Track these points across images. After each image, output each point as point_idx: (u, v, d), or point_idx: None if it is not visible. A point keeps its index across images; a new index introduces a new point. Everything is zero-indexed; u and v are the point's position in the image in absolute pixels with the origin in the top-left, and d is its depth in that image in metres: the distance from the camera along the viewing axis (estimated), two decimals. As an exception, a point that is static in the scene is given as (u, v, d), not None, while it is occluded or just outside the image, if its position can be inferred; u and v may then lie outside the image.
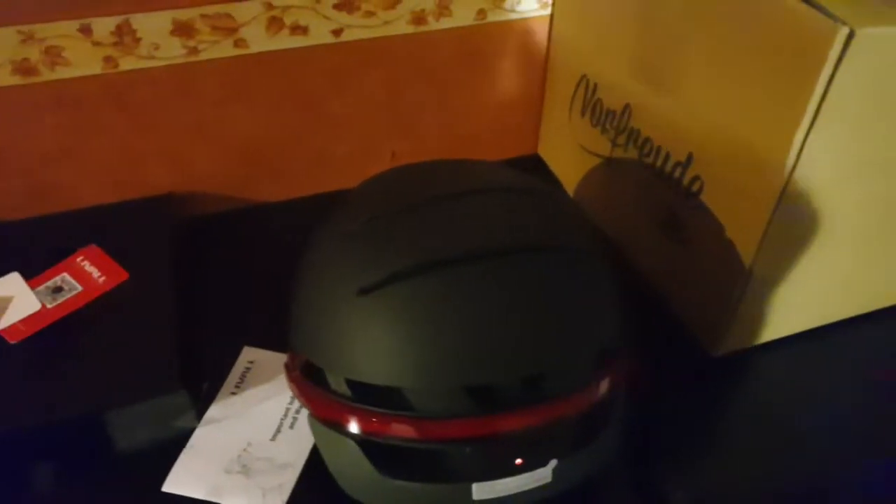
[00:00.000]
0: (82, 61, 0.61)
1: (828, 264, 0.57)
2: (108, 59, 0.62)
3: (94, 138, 0.66)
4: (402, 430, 0.42)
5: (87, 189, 0.69)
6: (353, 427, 0.44)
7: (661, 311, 0.65)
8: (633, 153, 0.65)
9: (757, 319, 0.59)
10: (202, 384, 0.58)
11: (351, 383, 0.44)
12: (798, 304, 0.59)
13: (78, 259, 0.64)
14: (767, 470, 0.53)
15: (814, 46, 0.43)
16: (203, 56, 0.65)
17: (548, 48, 0.78)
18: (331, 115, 0.73)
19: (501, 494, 0.44)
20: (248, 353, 0.61)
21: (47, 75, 0.61)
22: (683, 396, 0.58)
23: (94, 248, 0.65)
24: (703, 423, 0.56)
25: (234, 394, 0.58)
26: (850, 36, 0.41)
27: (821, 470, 0.53)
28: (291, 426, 0.55)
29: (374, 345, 0.42)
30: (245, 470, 0.52)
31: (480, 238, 0.43)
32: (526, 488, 0.44)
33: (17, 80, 0.60)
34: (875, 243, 0.58)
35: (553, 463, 0.44)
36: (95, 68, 0.62)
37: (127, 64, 0.63)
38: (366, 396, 0.43)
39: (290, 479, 0.52)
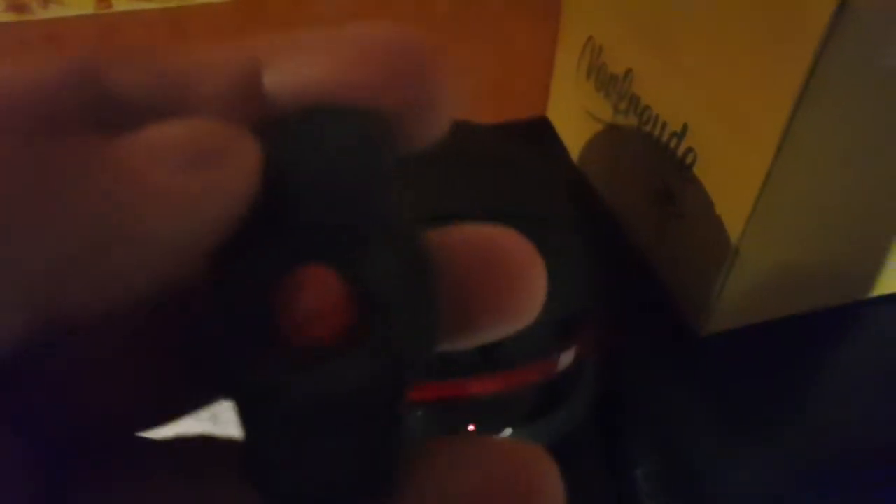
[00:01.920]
0: (75, 0, 0.61)
1: (817, 247, 0.55)
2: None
3: (88, 79, 0.66)
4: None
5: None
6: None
7: (650, 287, 0.64)
8: (633, 120, 0.63)
9: (744, 300, 0.57)
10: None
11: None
12: (786, 287, 0.57)
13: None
14: (743, 450, 0.52)
15: (803, 17, 0.41)
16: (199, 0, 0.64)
17: (560, 6, 0.75)
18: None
19: (454, 459, 0.43)
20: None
21: (40, 13, 0.60)
22: (665, 373, 0.57)
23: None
24: (682, 400, 0.56)
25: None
26: (841, 8, 0.38)
27: (796, 453, 0.52)
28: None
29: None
30: (214, 419, 0.53)
31: (442, 203, 0.42)
32: (479, 455, 0.44)
33: (9, 16, 0.60)
34: (866, 230, 0.55)
35: (508, 432, 0.43)
36: (88, 7, 0.61)
37: (121, 4, 0.62)
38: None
39: (255, 429, 0.52)
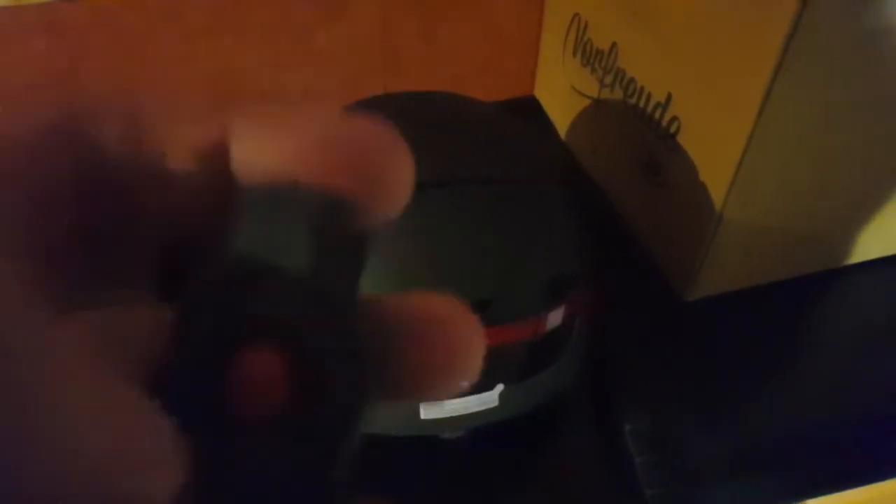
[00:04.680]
0: (71, -16, 0.62)
1: (799, 213, 0.56)
2: (97, -17, 0.63)
3: (83, 64, 0.67)
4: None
5: (80, 114, 0.70)
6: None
7: (639, 256, 0.66)
8: (618, 94, 0.64)
9: (729, 266, 0.59)
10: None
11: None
12: (770, 253, 0.59)
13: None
14: (725, 408, 0.54)
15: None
16: (192, -17, 0.65)
17: (545, -14, 0.77)
18: (318, 48, 0.73)
19: (449, 415, 0.45)
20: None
21: (37, -2, 0.62)
22: (651, 337, 0.59)
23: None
24: (668, 362, 0.57)
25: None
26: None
27: (783, 416, 0.54)
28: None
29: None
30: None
31: (434, 168, 0.44)
32: (472, 410, 0.45)
33: (7, 1, 0.61)
34: (847, 195, 0.57)
35: (499, 388, 0.45)
36: (85, -8, 0.63)
37: (116, -12, 0.63)
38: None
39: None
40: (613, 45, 0.64)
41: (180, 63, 0.70)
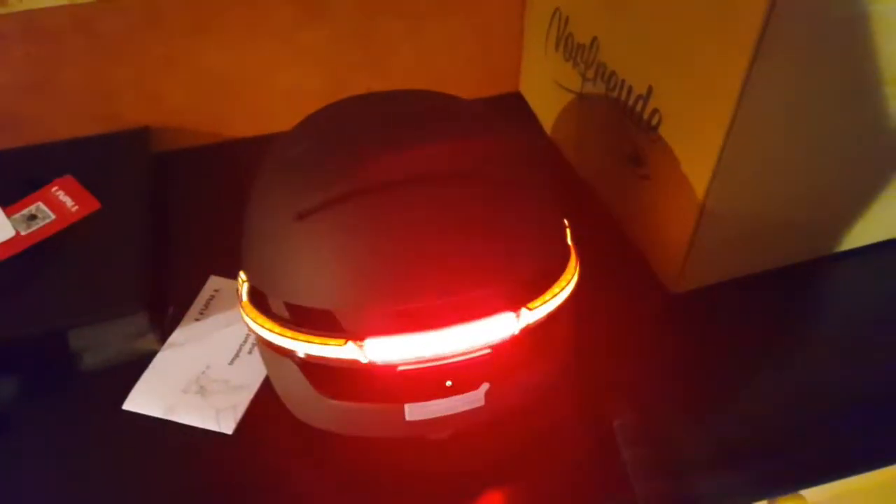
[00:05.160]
0: (49, -9, 0.62)
1: (781, 202, 0.56)
2: (74, -10, 0.62)
3: (65, 70, 0.67)
4: (336, 352, 0.44)
5: (62, 121, 0.70)
6: (292, 349, 0.45)
7: (626, 249, 0.65)
8: (600, 88, 0.64)
9: (715, 256, 0.59)
10: (167, 309, 0.60)
11: (290, 307, 0.45)
12: (754, 243, 0.59)
13: (52, 189, 0.66)
14: (712, 402, 0.54)
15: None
16: (170, -14, 0.65)
17: (527, -19, 0.76)
18: (302, 48, 0.73)
19: (434, 416, 0.45)
20: (214, 282, 0.62)
21: (16, 6, 0.61)
22: (639, 330, 0.59)
23: (68, 179, 0.67)
24: (655, 356, 0.57)
25: (197, 320, 0.59)
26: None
27: (772, 407, 0.54)
28: (250, 352, 0.57)
29: (309, 269, 0.43)
30: (202, 391, 0.54)
31: (416, 163, 0.44)
32: (458, 410, 0.45)
33: (-17, 9, 0.61)
34: (829, 184, 0.57)
35: (485, 387, 0.45)
36: (62, -2, 0.62)
37: (94, -6, 0.63)
38: (304, 319, 0.45)
39: (243, 400, 0.54)
40: (594, 39, 0.64)
41: (161, 66, 0.70)
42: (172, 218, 0.68)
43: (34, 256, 0.60)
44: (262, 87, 0.74)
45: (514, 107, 0.83)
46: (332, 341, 0.43)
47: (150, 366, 0.56)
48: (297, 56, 0.73)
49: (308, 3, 0.70)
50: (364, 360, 0.43)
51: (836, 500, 0.61)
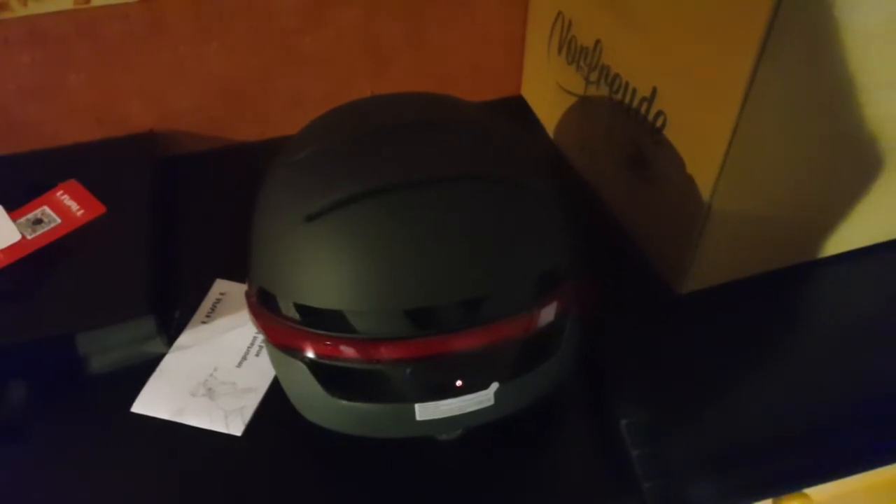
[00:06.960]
0: (54, -4, 0.62)
1: (786, 203, 0.57)
2: (80, -5, 0.63)
3: (69, 75, 0.67)
4: (346, 352, 0.44)
5: (67, 126, 0.70)
6: (302, 350, 0.46)
7: (630, 251, 0.66)
8: (604, 90, 0.65)
9: (720, 257, 0.59)
10: (174, 313, 0.60)
11: (300, 308, 0.46)
12: (761, 244, 0.59)
13: (58, 193, 0.66)
14: (718, 402, 0.54)
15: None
16: (175, -9, 0.65)
17: (529, -15, 0.77)
18: (305, 53, 0.73)
19: (444, 415, 0.45)
20: (221, 286, 0.63)
21: (20, 11, 0.62)
22: (645, 331, 0.59)
23: (73, 183, 0.67)
24: (662, 356, 0.57)
25: (204, 323, 0.60)
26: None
27: (779, 407, 0.54)
28: (257, 354, 0.57)
29: (319, 270, 0.43)
30: (210, 393, 0.54)
31: (424, 166, 0.44)
32: (468, 410, 0.45)
33: (-11, 15, 0.61)
34: (835, 185, 0.57)
35: (494, 386, 0.45)
36: (67, 3, 0.62)
37: (99, -1, 0.63)
38: (314, 320, 0.45)
39: (252, 402, 0.54)
40: (597, 41, 0.64)
41: (166, 70, 0.70)
42: (178, 222, 0.68)
43: (40, 261, 0.60)
44: (266, 91, 0.75)
45: (516, 110, 0.83)
46: (342, 342, 0.44)
47: (158, 369, 0.56)
48: (300, 61, 0.73)
49: (311, 9, 0.70)
50: (374, 361, 0.44)
51: (839, 499, 0.61)
